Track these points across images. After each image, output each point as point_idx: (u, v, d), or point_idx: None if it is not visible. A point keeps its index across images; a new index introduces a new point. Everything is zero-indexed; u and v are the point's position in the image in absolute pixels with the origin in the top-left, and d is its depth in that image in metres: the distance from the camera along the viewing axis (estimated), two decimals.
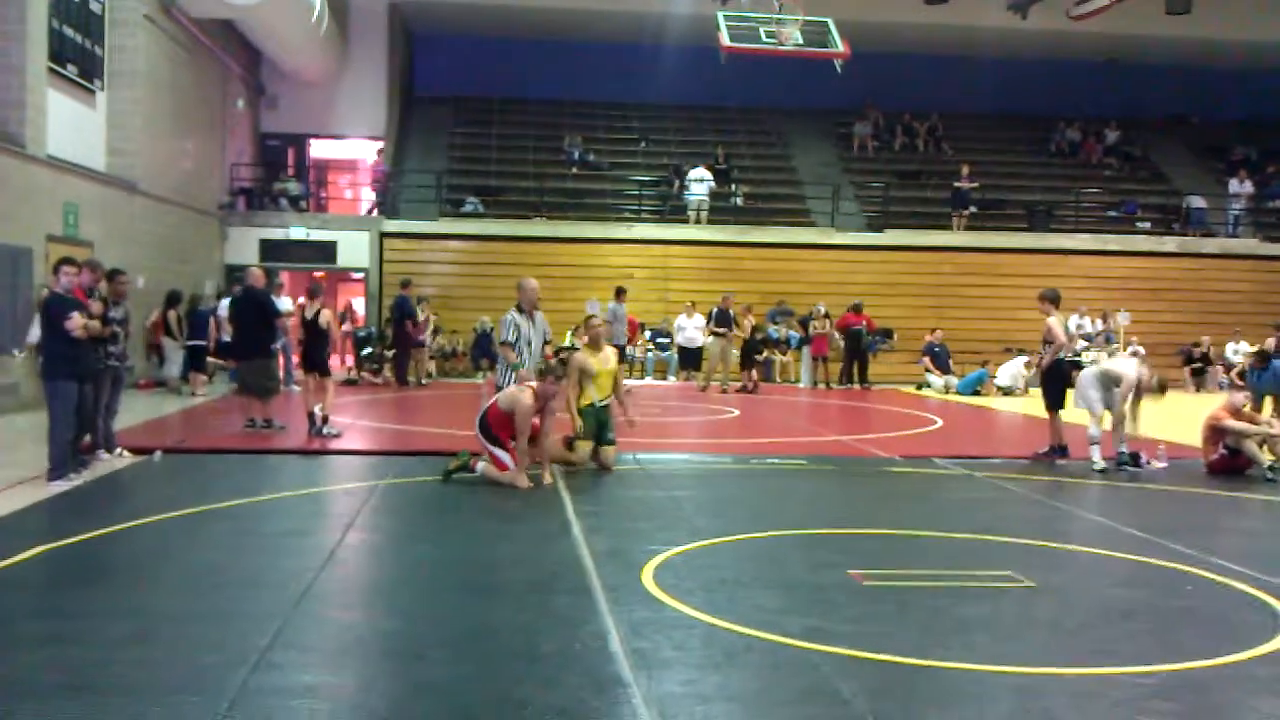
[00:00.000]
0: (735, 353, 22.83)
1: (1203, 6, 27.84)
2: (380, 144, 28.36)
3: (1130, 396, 11.62)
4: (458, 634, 5.51)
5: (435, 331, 23.06)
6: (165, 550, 7.37)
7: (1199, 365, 24.33)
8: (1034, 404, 16.62)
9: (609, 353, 11.12)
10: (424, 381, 20.96)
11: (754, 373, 21.78)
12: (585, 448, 10.78)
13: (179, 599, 6.07)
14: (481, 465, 9.83)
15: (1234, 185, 28.88)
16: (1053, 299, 12.28)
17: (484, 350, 23.39)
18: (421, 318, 21.01)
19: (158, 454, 10.98)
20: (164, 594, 6.21)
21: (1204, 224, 28.09)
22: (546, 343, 10.95)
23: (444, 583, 6.57)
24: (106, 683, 4.70)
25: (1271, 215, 29.32)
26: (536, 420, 9.92)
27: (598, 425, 10.80)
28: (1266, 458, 11.17)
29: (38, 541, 7.21)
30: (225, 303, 17.10)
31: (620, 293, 21.45)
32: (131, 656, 5.04)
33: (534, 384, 9.92)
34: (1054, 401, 12.25)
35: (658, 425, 15.40)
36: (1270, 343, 21.92)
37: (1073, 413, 12.29)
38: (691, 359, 22.32)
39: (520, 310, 10.75)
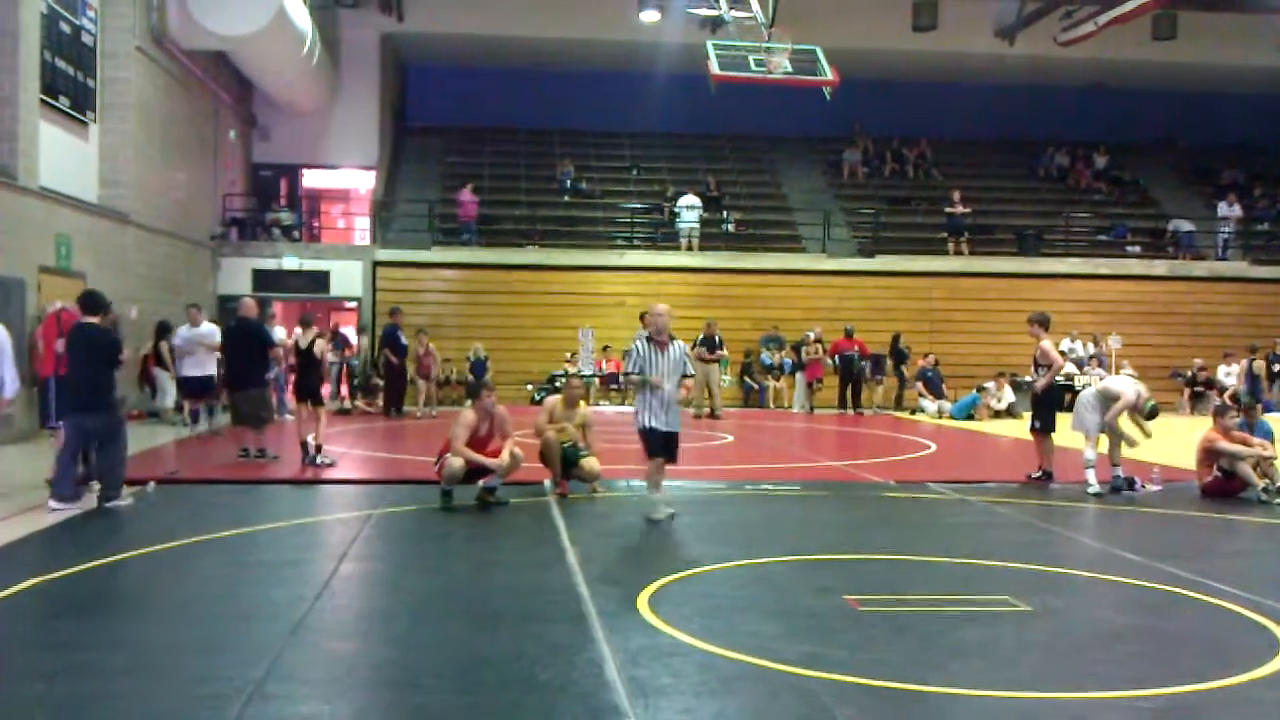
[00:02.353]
0: (727, 379, 22.90)
1: (1188, 32, 28.05)
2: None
3: (1122, 414, 11.64)
4: (453, 663, 5.49)
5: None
6: (159, 582, 7.34)
7: (1199, 390, 24.33)
8: (1005, 427, 16.53)
9: (578, 411, 11.39)
10: (419, 414, 20.25)
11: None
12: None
13: (173, 630, 6.04)
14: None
15: (1223, 208, 29.01)
16: (1042, 322, 12.30)
17: (478, 378, 23.39)
18: (422, 350, 20.58)
19: (151, 485, 10.94)
20: (158, 625, 6.18)
21: (1193, 247, 28.22)
22: (685, 376, 9.81)
23: (439, 612, 6.55)
24: (100, 716, 4.67)
25: (1260, 238, 29.48)
26: (497, 445, 10.23)
27: (564, 461, 11.01)
28: (1260, 480, 11.17)
29: (32, 573, 7.17)
30: (183, 330, 15.85)
31: (644, 318, 20.88)
32: (125, 689, 5.02)
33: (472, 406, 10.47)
34: (1044, 425, 12.26)
35: None
36: (1259, 365, 22.08)
37: (1064, 436, 12.31)
38: None
39: (649, 340, 9.70)
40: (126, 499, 9.98)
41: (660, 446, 9.56)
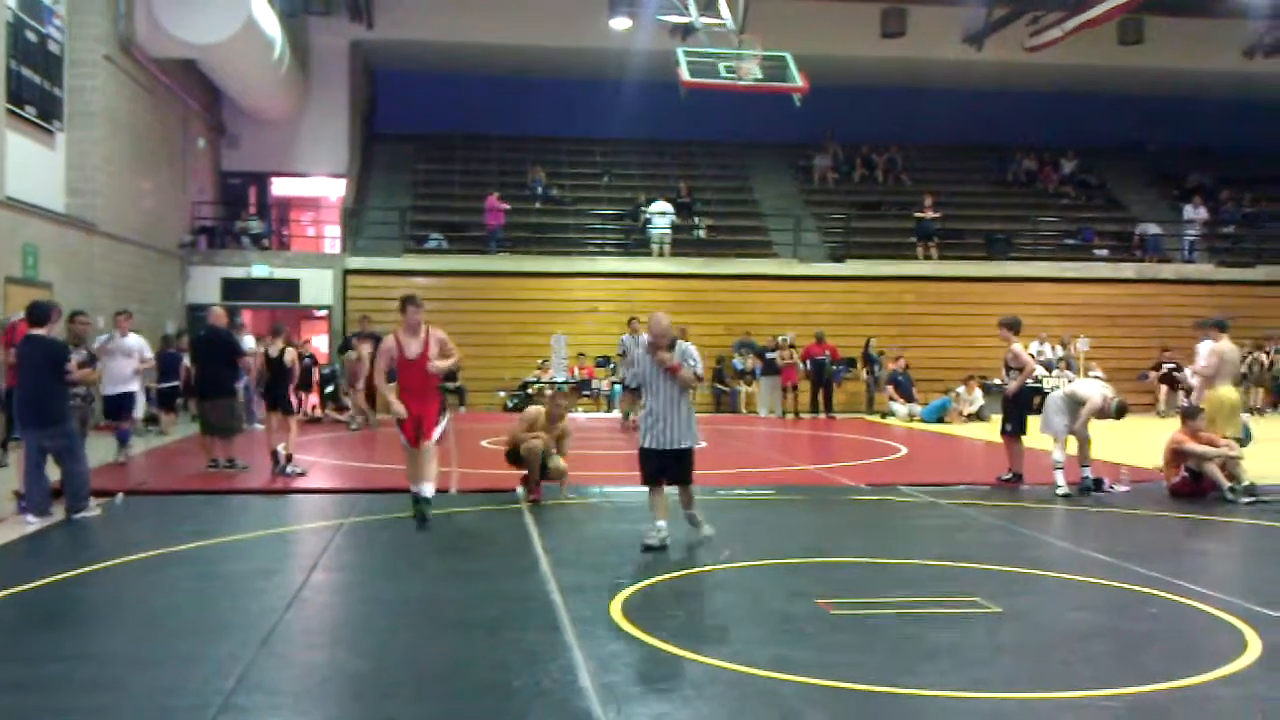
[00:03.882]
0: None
1: (1155, 37, 28.35)
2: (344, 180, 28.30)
3: (1089, 418, 11.73)
4: (426, 672, 5.48)
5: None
6: (128, 594, 7.29)
7: (1172, 368, 24.23)
8: (975, 430, 16.68)
9: (560, 426, 11.22)
10: (353, 426, 19.03)
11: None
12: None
13: (142, 643, 6.00)
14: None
15: (1189, 211, 29.32)
16: (1012, 326, 12.40)
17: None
18: (354, 356, 19.03)
19: (120, 496, 10.86)
20: (127, 638, 6.14)
21: (1159, 250, 28.49)
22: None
23: (411, 621, 6.53)
24: None
25: (1226, 241, 29.80)
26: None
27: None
28: (1226, 480, 11.28)
29: (0, 586, 7.12)
30: (101, 338, 14.84)
31: (632, 323, 19.74)
32: (94, 703, 4.99)
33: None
34: (1015, 428, 12.35)
35: (622, 458, 15.39)
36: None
37: (1034, 439, 12.39)
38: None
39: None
40: (94, 509, 9.89)
41: (656, 469, 8.56)
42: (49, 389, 9.70)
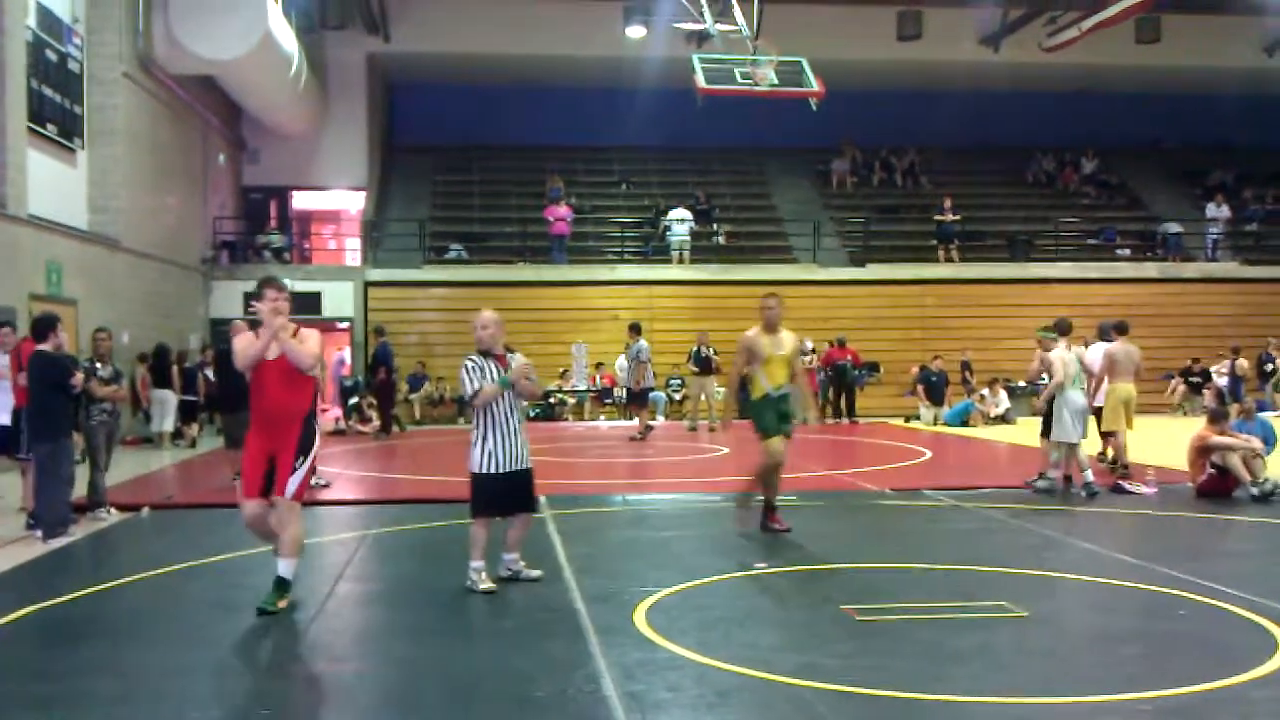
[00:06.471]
0: (720, 390, 22.87)
1: (1172, 35, 28.18)
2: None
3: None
4: (451, 683, 5.48)
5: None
6: (155, 607, 7.31)
7: (1195, 381, 24.34)
8: (1000, 433, 16.74)
9: (784, 337, 9.40)
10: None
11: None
12: (777, 444, 9.46)
13: (169, 655, 6.02)
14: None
15: (1211, 209, 29.13)
16: (1054, 329, 12.61)
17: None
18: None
19: (145, 510, 10.91)
20: (153, 651, 6.15)
21: (1182, 249, 28.32)
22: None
23: (435, 630, 6.53)
24: None
25: (1250, 238, 29.58)
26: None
27: (778, 417, 9.43)
28: (1248, 476, 11.22)
29: (26, 601, 7.15)
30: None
31: (635, 329, 19.78)
32: (122, 715, 5.01)
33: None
34: (1044, 429, 12.36)
35: (646, 465, 15.40)
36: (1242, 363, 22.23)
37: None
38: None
39: (484, 354, 8.17)
40: (71, 534, 9.59)
41: (503, 494, 7.32)
42: (46, 404, 9.64)
